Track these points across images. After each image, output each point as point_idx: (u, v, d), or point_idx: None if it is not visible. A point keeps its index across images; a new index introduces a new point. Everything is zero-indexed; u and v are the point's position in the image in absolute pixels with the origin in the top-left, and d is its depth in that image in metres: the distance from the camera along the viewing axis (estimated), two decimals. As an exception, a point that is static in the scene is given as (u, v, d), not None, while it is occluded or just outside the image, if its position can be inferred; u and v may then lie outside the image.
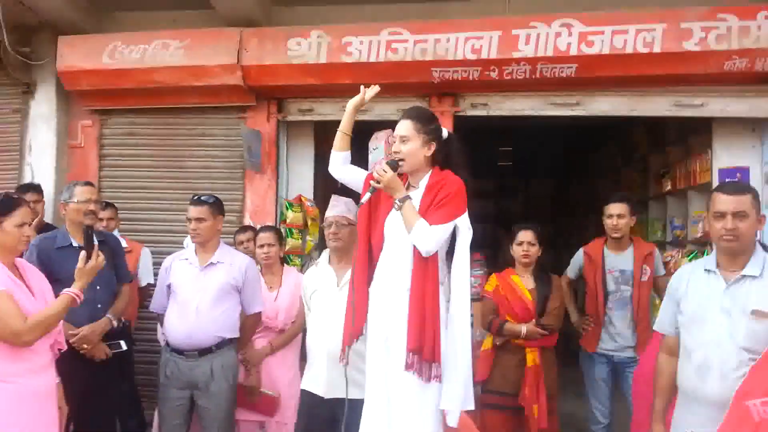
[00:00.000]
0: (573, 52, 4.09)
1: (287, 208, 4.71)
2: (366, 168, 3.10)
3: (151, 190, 4.90)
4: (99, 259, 2.69)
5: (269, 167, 4.74)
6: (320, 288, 3.01)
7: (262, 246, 3.67)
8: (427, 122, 2.50)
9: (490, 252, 6.59)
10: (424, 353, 2.26)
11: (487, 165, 9.62)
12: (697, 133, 4.92)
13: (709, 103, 4.35)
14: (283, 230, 4.70)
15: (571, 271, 4.13)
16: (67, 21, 4.80)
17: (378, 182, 2.39)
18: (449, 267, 2.42)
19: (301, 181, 4.91)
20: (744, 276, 2.23)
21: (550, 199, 10.82)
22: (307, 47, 4.39)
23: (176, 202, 4.82)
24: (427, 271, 2.33)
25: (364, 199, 2.44)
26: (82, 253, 2.67)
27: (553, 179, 10.74)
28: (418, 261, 2.33)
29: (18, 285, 2.50)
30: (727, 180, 4.22)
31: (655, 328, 2.61)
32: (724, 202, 2.25)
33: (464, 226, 2.38)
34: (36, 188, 4.22)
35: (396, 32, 4.29)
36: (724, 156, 4.49)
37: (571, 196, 9.67)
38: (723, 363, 2.18)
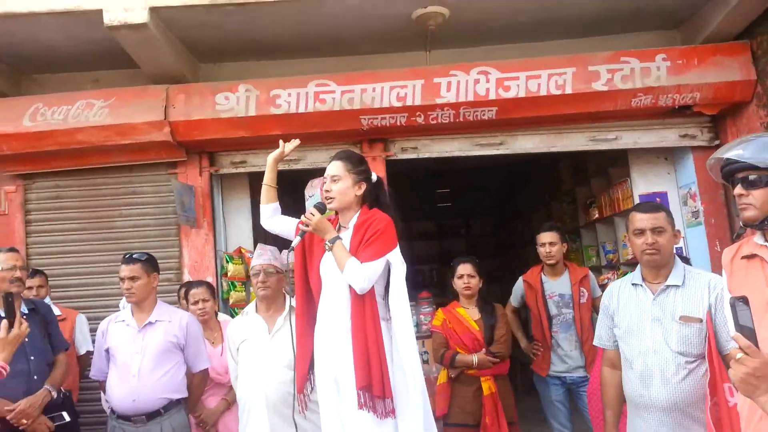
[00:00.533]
0: (492, 96, 4.32)
1: (228, 261, 4.66)
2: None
3: (81, 254, 4.73)
4: (22, 327, 2.56)
5: (205, 221, 4.69)
6: (250, 337, 2.98)
7: (196, 302, 3.61)
8: (357, 163, 2.58)
9: (439, 290, 6.67)
10: (374, 390, 2.27)
11: (428, 207, 9.83)
12: (616, 165, 5.25)
13: (622, 136, 4.67)
14: (225, 284, 4.64)
15: (514, 300, 4.26)
16: (-17, 85, 4.69)
17: (307, 225, 2.43)
18: (388, 304, 2.45)
19: (239, 232, 4.88)
20: (668, 286, 2.38)
21: (491, 236, 11.11)
22: (235, 101, 4.44)
23: (109, 264, 4.66)
24: (365, 309, 2.36)
25: (294, 243, 2.48)
26: (4, 322, 2.55)
27: (492, 217, 11.05)
28: (356, 299, 2.36)
29: None
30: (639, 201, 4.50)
31: (594, 343, 2.72)
32: (641, 219, 2.42)
33: (396, 260, 2.43)
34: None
35: (323, 83, 4.40)
36: (642, 183, 4.83)
37: (509, 231, 9.96)
38: (663, 369, 2.29)
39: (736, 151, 1.84)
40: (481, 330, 3.60)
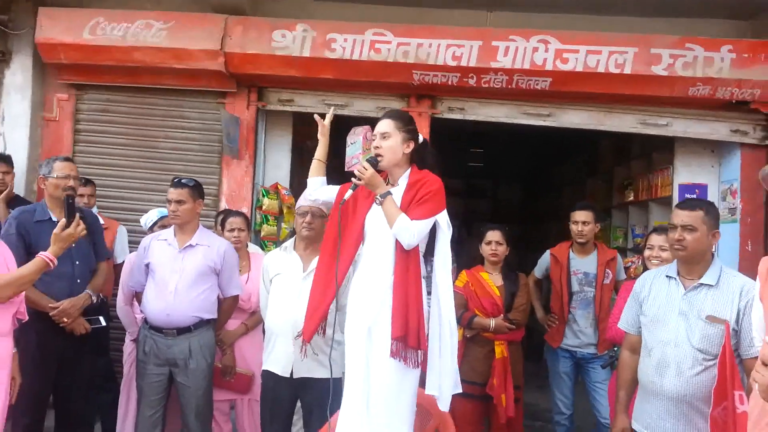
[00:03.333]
0: (548, 66, 4.27)
1: (264, 195, 4.78)
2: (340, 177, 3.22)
3: (124, 168, 4.88)
4: (78, 228, 2.71)
5: (247, 153, 4.78)
6: (284, 272, 3.11)
7: (232, 230, 3.75)
8: (407, 122, 2.62)
9: (462, 248, 6.74)
10: (410, 340, 2.36)
11: (459, 165, 9.81)
12: (660, 150, 5.19)
13: (672, 123, 4.60)
14: (259, 216, 4.77)
15: (538, 271, 4.33)
16: (48, -8, 4.74)
17: (359, 179, 2.48)
18: (428, 263, 2.53)
19: (277, 169, 4.97)
20: (701, 284, 2.43)
21: (518, 203, 11.09)
22: (291, 40, 4.45)
23: (149, 182, 4.84)
24: (409, 264, 2.42)
25: (347, 195, 2.53)
26: (62, 220, 2.69)
27: (522, 184, 11.00)
28: (401, 254, 2.43)
29: None
30: (686, 196, 4.47)
31: (619, 326, 2.79)
32: (677, 215, 2.48)
33: (444, 222, 2.50)
34: (6, 159, 4.19)
35: (380, 33, 4.38)
36: (685, 173, 4.77)
37: (537, 202, 9.93)
38: (680, 361, 2.37)
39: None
40: (501, 296, 3.69)
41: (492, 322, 3.62)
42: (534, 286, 4.28)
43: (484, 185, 11.26)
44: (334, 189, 2.74)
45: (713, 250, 2.55)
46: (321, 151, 2.84)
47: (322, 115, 2.88)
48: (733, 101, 4.35)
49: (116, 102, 4.94)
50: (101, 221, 3.73)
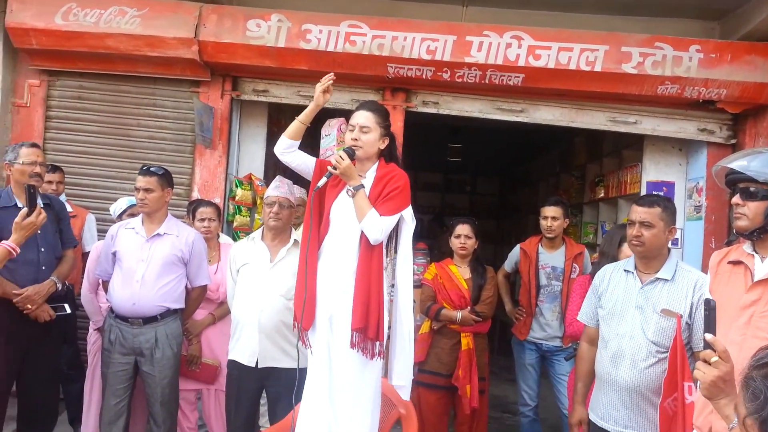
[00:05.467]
0: (521, 62, 4.31)
1: (237, 186, 4.77)
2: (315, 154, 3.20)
3: (96, 156, 4.83)
4: (40, 217, 2.72)
5: (220, 143, 4.76)
6: (252, 262, 3.13)
7: (202, 220, 3.74)
8: (385, 117, 2.65)
9: (435, 242, 6.78)
10: (369, 332, 2.40)
11: (438, 159, 9.86)
12: (630, 148, 5.28)
13: (642, 121, 4.68)
14: (232, 207, 4.76)
15: (507, 265, 4.40)
16: (19, -24, 4.66)
17: (335, 168, 2.48)
18: (391, 254, 2.57)
19: (251, 160, 4.97)
20: (657, 279, 2.49)
21: (495, 197, 11.19)
22: (266, 29, 4.44)
23: (121, 170, 4.80)
24: (372, 256, 2.46)
25: (320, 183, 2.53)
26: (23, 209, 2.69)
27: (499, 179, 11.09)
28: (365, 246, 2.47)
29: None
30: (652, 192, 4.56)
31: (578, 318, 2.86)
32: (635, 212, 2.54)
33: (408, 217, 2.56)
34: (-25, 145, 4.15)
35: (355, 25, 4.39)
36: (653, 170, 4.87)
37: (515, 195, 10.03)
38: (634, 353, 2.43)
39: (740, 162, 1.92)
40: (469, 289, 3.76)
41: (459, 315, 3.68)
42: (503, 279, 4.35)
43: (462, 180, 11.34)
44: (311, 159, 2.70)
45: (669, 245, 2.62)
46: (308, 115, 2.71)
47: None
48: (701, 100, 4.43)
49: (89, 89, 4.88)
50: (69, 209, 3.70)
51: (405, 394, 2.53)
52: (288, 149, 2.71)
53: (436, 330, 3.77)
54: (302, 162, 2.71)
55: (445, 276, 3.80)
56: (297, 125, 2.71)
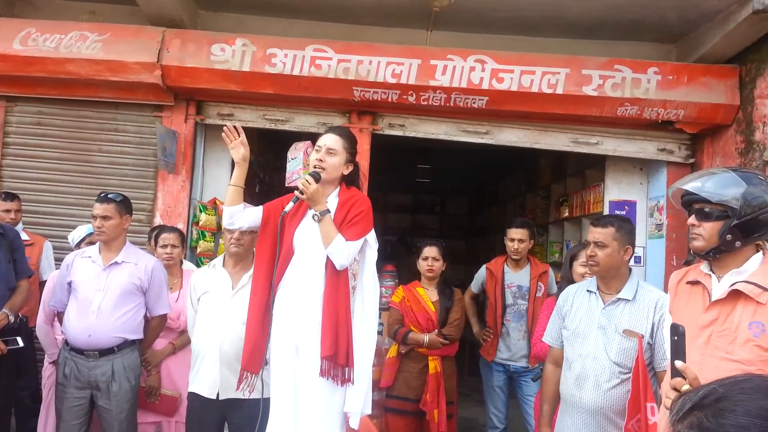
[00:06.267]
0: (485, 86, 4.37)
1: (201, 211, 4.70)
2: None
3: (56, 182, 4.73)
4: None
5: (184, 168, 4.70)
6: (213, 290, 3.06)
7: (165, 246, 3.66)
8: (352, 144, 2.65)
9: (400, 262, 6.73)
10: (339, 359, 2.36)
11: (407, 180, 9.90)
12: (593, 168, 5.36)
13: (603, 142, 4.76)
14: (195, 232, 4.68)
15: (474, 286, 4.41)
16: (-25, 1, 4.58)
17: (302, 193, 2.45)
18: (357, 279, 2.55)
19: (216, 184, 4.90)
20: (619, 299, 2.51)
21: (464, 217, 11.25)
22: (230, 54, 4.42)
23: (81, 197, 4.69)
24: (339, 282, 2.44)
25: (288, 208, 2.50)
26: None
27: (468, 199, 11.17)
28: (332, 272, 2.44)
29: None
30: (616, 212, 4.63)
31: (543, 339, 2.85)
32: (590, 232, 2.58)
33: (372, 240, 2.55)
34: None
35: (320, 49, 4.40)
36: (615, 190, 4.96)
37: (483, 215, 10.11)
38: (598, 374, 2.43)
39: (694, 183, 1.95)
40: (436, 311, 3.73)
41: (426, 338, 3.65)
42: (470, 301, 4.35)
43: (432, 201, 11.39)
44: (257, 210, 2.67)
45: (630, 265, 2.64)
46: (239, 177, 2.62)
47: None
48: (660, 121, 4.54)
49: (48, 114, 4.79)
50: (25, 237, 3.59)
51: (354, 422, 2.45)
52: (235, 218, 2.64)
53: (403, 354, 3.73)
54: (253, 219, 2.65)
55: (412, 299, 3.78)
56: (233, 190, 2.64)
